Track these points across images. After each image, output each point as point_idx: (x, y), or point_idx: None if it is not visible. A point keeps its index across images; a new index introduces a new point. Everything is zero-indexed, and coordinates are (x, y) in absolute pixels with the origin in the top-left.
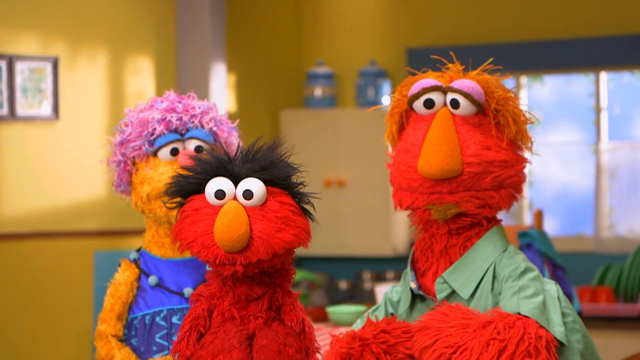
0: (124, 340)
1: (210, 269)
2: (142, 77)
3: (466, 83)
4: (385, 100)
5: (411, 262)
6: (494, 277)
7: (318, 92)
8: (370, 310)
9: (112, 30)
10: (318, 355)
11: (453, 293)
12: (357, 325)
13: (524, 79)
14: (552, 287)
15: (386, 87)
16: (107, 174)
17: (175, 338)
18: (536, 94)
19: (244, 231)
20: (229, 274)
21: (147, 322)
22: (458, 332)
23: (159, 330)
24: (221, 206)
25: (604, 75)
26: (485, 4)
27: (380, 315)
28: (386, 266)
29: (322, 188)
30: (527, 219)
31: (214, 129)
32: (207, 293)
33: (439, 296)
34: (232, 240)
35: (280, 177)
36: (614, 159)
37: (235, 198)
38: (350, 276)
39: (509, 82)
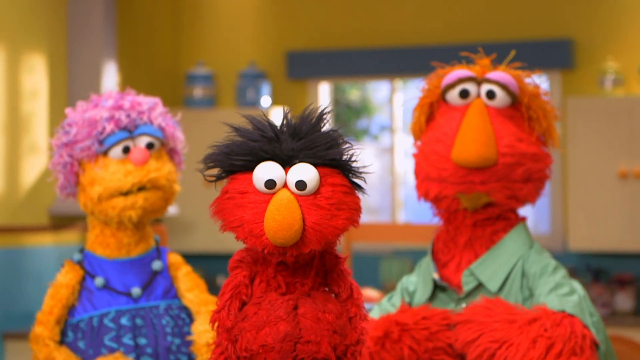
0: (69, 343)
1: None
2: (36, 75)
3: (502, 75)
4: (265, 101)
5: (431, 253)
6: (523, 274)
7: (198, 92)
8: (386, 297)
9: (9, 27)
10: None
11: (479, 286)
12: (375, 313)
13: (399, 83)
14: (579, 286)
15: (265, 88)
16: (47, 176)
17: (126, 340)
18: (411, 97)
19: (298, 227)
20: (277, 261)
21: (94, 324)
22: (503, 327)
23: (108, 332)
24: (271, 195)
25: None
26: (363, 9)
27: (398, 303)
28: None
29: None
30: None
31: (162, 124)
32: (249, 259)
33: (466, 288)
34: (285, 237)
35: (334, 160)
36: None
37: (285, 185)
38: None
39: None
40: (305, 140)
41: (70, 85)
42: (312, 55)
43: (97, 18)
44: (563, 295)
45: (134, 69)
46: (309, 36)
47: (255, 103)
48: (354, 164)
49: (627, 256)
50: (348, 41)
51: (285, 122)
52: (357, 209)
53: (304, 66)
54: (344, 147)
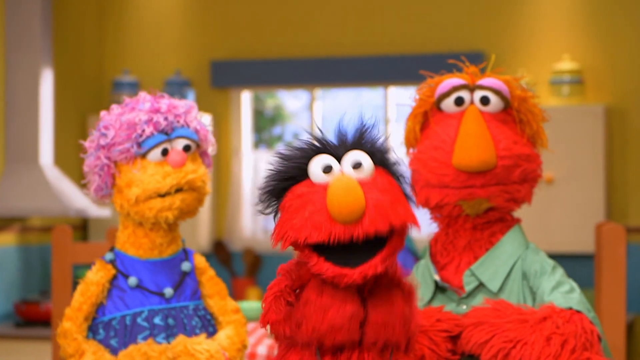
0: (101, 340)
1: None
2: None
3: (494, 81)
4: None
5: (430, 255)
6: (523, 274)
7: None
8: None
9: None
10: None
11: (479, 286)
12: None
13: (318, 92)
14: (575, 284)
15: (190, 96)
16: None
17: (159, 339)
18: (329, 105)
19: (361, 195)
20: (344, 286)
21: (127, 322)
22: (516, 327)
23: (141, 331)
24: (328, 183)
25: (392, 90)
26: (284, 22)
27: None
28: None
29: None
30: None
31: (197, 127)
32: (295, 275)
33: (467, 288)
34: (350, 205)
35: (384, 153)
36: None
37: (341, 173)
38: None
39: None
40: (354, 140)
41: (8, 92)
42: (235, 64)
43: (34, 26)
44: (565, 292)
45: (64, 76)
46: (233, 46)
47: None
48: (403, 172)
49: None
50: (270, 52)
51: (323, 135)
52: (414, 214)
53: (227, 75)
54: (394, 154)
